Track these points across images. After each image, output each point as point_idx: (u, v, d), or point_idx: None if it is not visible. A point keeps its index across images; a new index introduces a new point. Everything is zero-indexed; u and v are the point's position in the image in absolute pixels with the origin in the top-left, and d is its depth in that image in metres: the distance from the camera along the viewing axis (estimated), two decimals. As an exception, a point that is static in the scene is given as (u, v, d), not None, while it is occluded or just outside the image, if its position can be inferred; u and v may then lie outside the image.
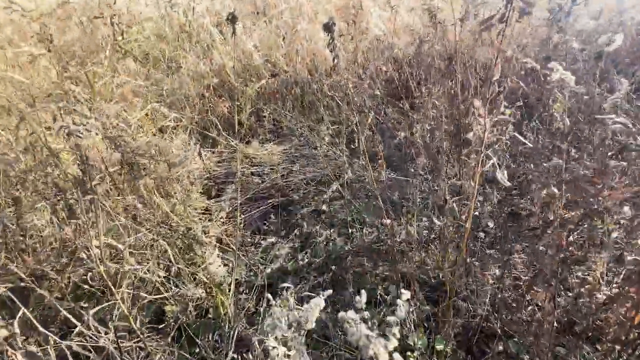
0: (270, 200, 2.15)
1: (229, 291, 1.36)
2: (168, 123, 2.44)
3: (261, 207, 2.09)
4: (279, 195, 2.17)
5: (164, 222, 1.25)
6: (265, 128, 2.84)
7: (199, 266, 1.29)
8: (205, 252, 1.26)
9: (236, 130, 2.70)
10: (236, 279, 1.54)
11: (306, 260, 1.71)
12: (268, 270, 1.67)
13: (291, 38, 3.02)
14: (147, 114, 2.58)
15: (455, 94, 1.52)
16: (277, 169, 2.48)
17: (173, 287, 1.23)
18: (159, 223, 1.24)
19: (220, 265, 1.23)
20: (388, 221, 2.02)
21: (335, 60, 1.25)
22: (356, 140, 2.54)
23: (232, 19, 1.11)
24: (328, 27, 1.21)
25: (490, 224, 1.98)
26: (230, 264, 1.59)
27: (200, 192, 1.94)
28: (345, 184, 2.27)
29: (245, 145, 2.67)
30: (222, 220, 1.83)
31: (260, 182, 2.31)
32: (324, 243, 1.82)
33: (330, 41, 1.24)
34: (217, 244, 1.73)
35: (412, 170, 2.57)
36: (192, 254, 1.31)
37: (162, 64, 3.12)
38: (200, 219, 1.78)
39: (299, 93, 2.97)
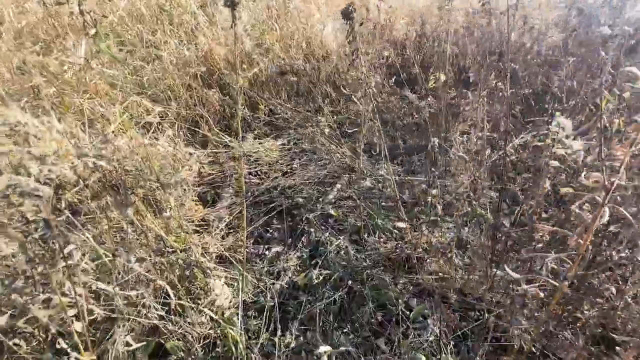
0: (272, 204, 1.97)
1: (237, 318, 1.21)
2: (151, 119, 2.19)
3: (263, 212, 1.91)
4: (282, 199, 1.99)
5: (158, 250, 1.07)
6: (260, 120, 2.61)
7: (202, 297, 1.12)
8: (208, 281, 1.09)
9: (231, 125, 2.46)
10: (243, 300, 1.38)
11: (317, 272, 1.56)
12: (277, 287, 1.51)
13: (284, 19, 2.74)
14: (126, 108, 2.31)
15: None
16: (277, 166, 2.29)
17: (173, 324, 1.07)
18: (153, 250, 1.05)
19: (227, 297, 1.07)
20: (403, 225, 1.89)
21: (355, 55, 1.06)
22: (361, 136, 2.36)
23: (232, 3, 0.89)
24: (347, 15, 1.01)
25: (506, 223, 1.87)
26: (235, 283, 1.42)
27: (194, 200, 1.74)
28: (351, 182, 2.11)
29: (239, 141, 2.45)
30: (221, 231, 1.65)
31: (259, 182, 2.11)
32: (335, 252, 1.68)
33: (350, 31, 1.03)
34: (218, 259, 1.56)
35: (419, 163, 2.43)
36: (193, 282, 1.14)
37: (141, 50, 2.80)
38: (197, 231, 1.60)
39: (295, 80, 2.74)
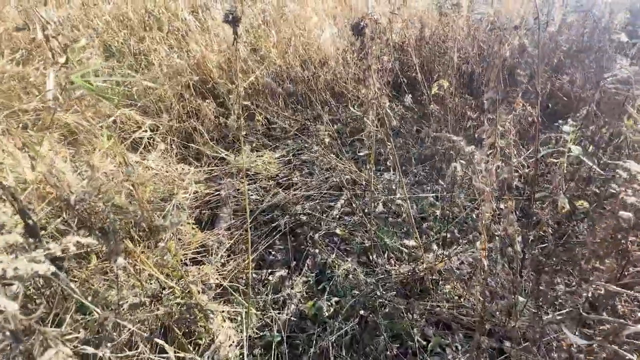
0: (273, 223, 1.86)
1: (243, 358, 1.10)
2: (141, 134, 2.06)
3: (264, 233, 1.80)
4: (283, 217, 1.88)
5: (154, 294, 0.95)
6: (257, 132, 2.50)
7: (203, 338, 1.01)
8: (210, 326, 0.98)
9: (226, 137, 2.34)
10: (248, 336, 1.27)
11: (326, 301, 1.46)
12: (283, 318, 1.41)
13: (280, 24, 2.63)
14: (114, 121, 2.17)
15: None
16: (276, 180, 2.18)
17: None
18: (147, 295, 0.94)
19: (231, 344, 0.96)
20: (412, 242, 1.80)
21: (367, 73, 0.96)
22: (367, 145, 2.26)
23: (233, 20, 0.78)
24: (358, 30, 0.91)
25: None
26: (239, 317, 1.31)
27: (191, 224, 1.62)
28: (356, 197, 2.01)
29: (236, 154, 2.33)
30: (221, 258, 1.54)
31: (259, 199, 2.00)
32: (344, 275, 1.58)
33: (361, 47, 0.93)
34: (219, 288, 1.45)
35: (424, 174, 2.34)
36: (194, 329, 1.03)
37: (129, 58, 2.65)
38: (195, 261, 1.48)
39: (292, 88, 2.62)
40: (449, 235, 1.79)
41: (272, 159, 2.32)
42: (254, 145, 2.47)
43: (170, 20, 2.39)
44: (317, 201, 2.01)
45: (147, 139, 2.13)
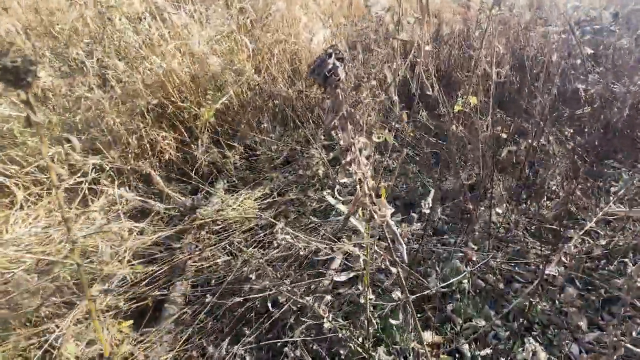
0: (244, 303, 1.39)
1: None
2: (81, 178, 1.61)
3: (229, 321, 1.33)
4: (256, 292, 1.41)
5: None
6: (233, 164, 2.02)
7: None
8: None
9: (197, 172, 1.88)
10: None
11: None
12: None
13: (262, 28, 2.12)
14: (52, 160, 1.73)
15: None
16: (253, 234, 1.70)
17: None
18: None
19: None
20: (432, 337, 1.30)
21: (349, 156, 0.46)
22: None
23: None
24: (322, 76, 0.41)
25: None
26: None
27: (124, 317, 1.16)
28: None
29: (203, 196, 1.86)
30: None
31: (225, 265, 1.53)
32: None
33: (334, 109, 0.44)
34: None
35: (446, 217, 1.81)
36: None
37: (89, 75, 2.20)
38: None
39: (277, 108, 2.13)
40: (483, 323, 1.29)
41: (250, 202, 1.85)
42: (229, 181, 2.00)
43: (115, 27, 1.92)
44: (305, 268, 1.53)
45: (92, 182, 1.68)
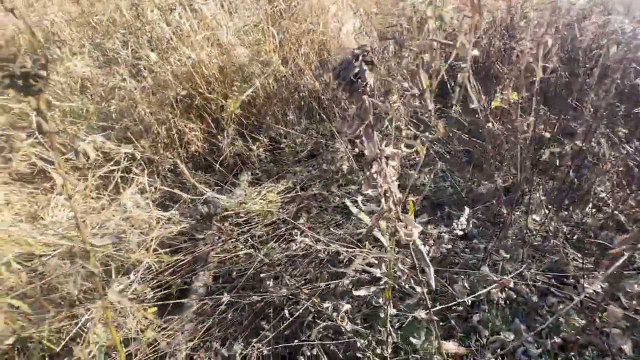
0: (263, 296, 1.40)
1: None
2: (114, 167, 1.67)
3: (248, 314, 1.34)
4: (277, 287, 1.41)
5: None
6: (257, 157, 2.02)
7: None
8: None
9: (222, 164, 1.90)
10: None
11: None
12: None
13: (290, 18, 2.08)
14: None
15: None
16: (275, 227, 1.70)
17: None
18: None
19: None
20: (455, 348, 1.24)
21: (373, 169, 0.42)
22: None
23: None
24: (344, 77, 0.37)
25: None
26: None
27: (146, 308, 1.21)
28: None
29: (227, 188, 1.88)
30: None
31: (246, 258, 1.54)
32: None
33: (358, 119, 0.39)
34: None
35: (476, 221, 1.71)
36: None
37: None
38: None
39: (303, 100, 2.09)
40: (513, 338, 1.21)
41: (273, 195, 1.84)
42: (253, 173, 2.00)
43: (147, 19, 1.95)
44: (324, 264, 1.51)
45: (124, 170, 1.75)
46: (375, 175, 0.43)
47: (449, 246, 1.46)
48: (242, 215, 1.71)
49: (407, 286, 0.60)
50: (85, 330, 0.98)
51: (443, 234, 1.38)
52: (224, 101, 1.89)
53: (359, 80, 0.38)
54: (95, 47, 2.18)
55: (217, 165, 1.86)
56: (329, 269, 1.50)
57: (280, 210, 1.76)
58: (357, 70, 0.38)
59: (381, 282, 0.69)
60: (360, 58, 0.38)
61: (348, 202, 0.83)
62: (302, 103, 2.21)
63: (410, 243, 0.49)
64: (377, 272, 0.62)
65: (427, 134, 1.27)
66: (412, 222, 0.48)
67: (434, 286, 0.54)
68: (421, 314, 0.90)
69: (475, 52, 0.64)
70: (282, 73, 1.90)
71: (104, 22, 2.35)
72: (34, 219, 1.50)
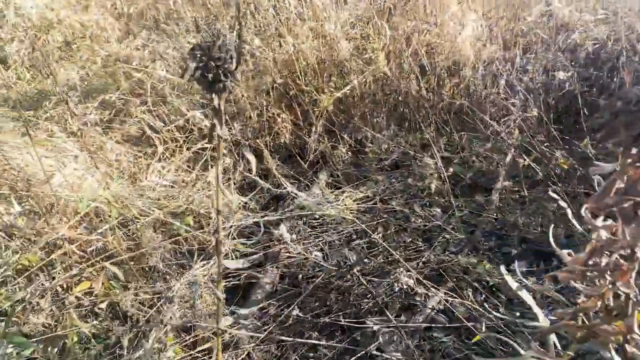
0: (327, 307, 1.31)
1: None
2: (204, 144, 1.73)
3: (310, 322, 1.27)
4: (341, 303, 1.31)
5: None
6: (340, 157, 1.92)
7: None
8: None
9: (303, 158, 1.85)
10: None
11: None
12: None
13: (402, 14, 1.91)
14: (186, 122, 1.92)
15: None
16: (349, 237, 1.60)
17: None
18: None
19: None
20: None
21: None
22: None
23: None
24: None
25: None
26: None
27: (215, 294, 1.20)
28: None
29: (305, 183, 1.83)
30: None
31: (315, 264, 1.47)
32: None
33: None
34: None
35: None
36: None
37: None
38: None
39: (399, 105, 1.93)
40: None
41: (352, 201, 1.74)
42: (333, 174, 1.92)
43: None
44: (396, 294, 1.36)
45: (213, 149, 1.81)
46: (604, 274, 0.28)
47: None
48: (317, 217, 1.64)
49: None
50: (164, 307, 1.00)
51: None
52: (318, 95, 1.82)
53: None
54: (208, 26, 2.28)
55: (302, 161, 1.81)
56: (402, 298, 1.35)
57: (357, 219, 1.64)
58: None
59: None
60: None
61: (503, 271, 0.65)
62: (396, 107, 2.05)
63: None
64: None
65: None
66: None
67: None
68: None
69: None
70: (383, 73, 1.76)
71: (217, 3, 2.45)
72: (134, 181, 1.62)
